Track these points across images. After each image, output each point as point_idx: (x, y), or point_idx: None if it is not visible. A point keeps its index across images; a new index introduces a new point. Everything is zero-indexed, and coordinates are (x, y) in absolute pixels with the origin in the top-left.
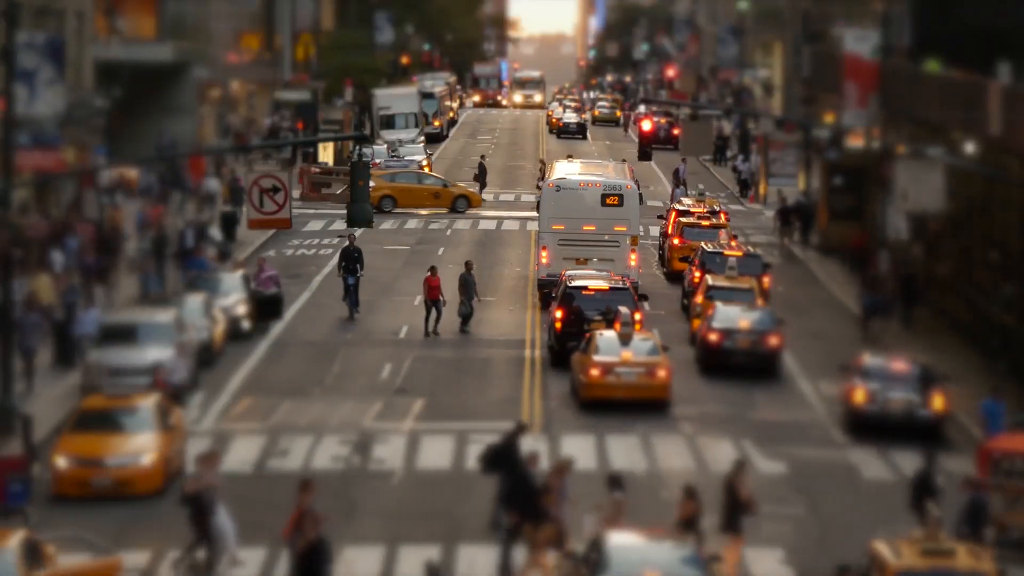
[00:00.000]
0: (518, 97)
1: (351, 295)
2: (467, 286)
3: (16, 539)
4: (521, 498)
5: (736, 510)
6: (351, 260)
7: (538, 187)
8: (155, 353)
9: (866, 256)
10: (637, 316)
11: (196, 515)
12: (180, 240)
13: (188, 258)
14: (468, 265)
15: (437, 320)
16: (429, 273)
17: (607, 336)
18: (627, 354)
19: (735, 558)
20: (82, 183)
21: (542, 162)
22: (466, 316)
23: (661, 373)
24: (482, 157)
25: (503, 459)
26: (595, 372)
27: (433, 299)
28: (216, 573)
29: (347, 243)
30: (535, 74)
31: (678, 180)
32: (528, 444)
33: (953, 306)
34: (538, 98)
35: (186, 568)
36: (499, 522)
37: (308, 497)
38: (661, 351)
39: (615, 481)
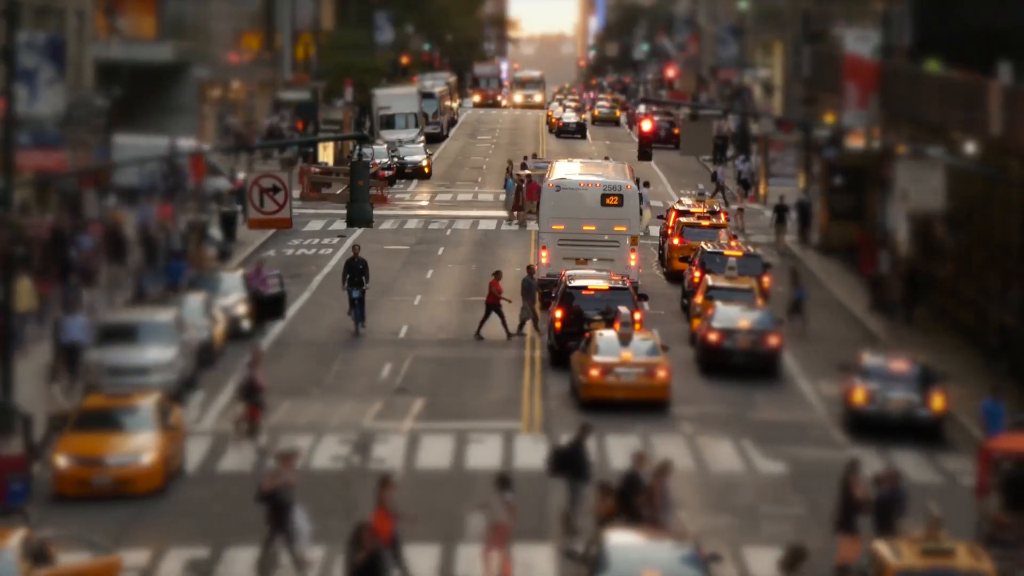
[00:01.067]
0: (518, 97)
1: (357, 308)
2: (529, 290)
3: (16, 538)
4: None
5: (851, 509)
6: (356, 272)
7: (504, 185)
8: (155, 353)
9: (868, 256)
10: (637, 316)
11: (272, 512)
12: (167, 242)
13: (172, 261)
14: (530, 269)
15: (503, 322)
16: (494, 277)
17: (607, 336)
18: (627, 354)
19: (852, 557)
20: (82, 183)
21: (510, 162)
22: (526, 320)
23: (661, 373)
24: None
25: (570, 462)
26: (595, 372)
27: (495, 303)
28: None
29: (352, 255)
30: (535, 74)
31: (718, 184)
32: (528, 444)
33: (953, 306)
34: (538, 98)
35: (264, 567)
36: (572, 526)
37: (389, 493)
38: (661, 351)
39: (504, 482)
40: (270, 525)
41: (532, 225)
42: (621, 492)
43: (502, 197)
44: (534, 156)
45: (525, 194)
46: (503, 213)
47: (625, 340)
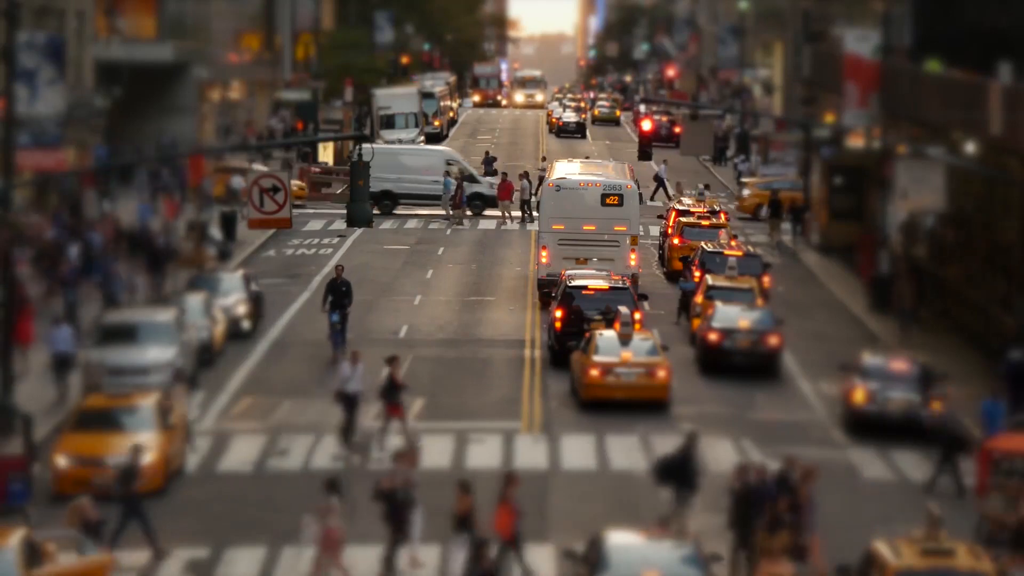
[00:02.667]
0: (519, 96)
1: (336, 334)
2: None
3: (16, 538)
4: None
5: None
6: (338, 295)
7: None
8: (155, 353)
9: (867, 259)
10: (637, 316)
11: (390, 512)
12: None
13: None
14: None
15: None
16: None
17: (607, 336)
18: (627, 354)
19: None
20: (82, 183)
21: (487, 152)
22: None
23: (661, 373)
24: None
25: (678, 470)
26: (595, 372)
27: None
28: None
29: (334, 276)
30: (536, 73)
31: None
32: (527, 444)
33: (954, 306)
34: (540, 97)
35: (390, 566)
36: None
37: (513, 490)
38: (660, 351)
39: (332, 485)
40: (389, 525)
41: (479, 221)
42: (761, 497)
43: None
44: (544, 159)
45: (459, 194)
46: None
47: (625, 340)
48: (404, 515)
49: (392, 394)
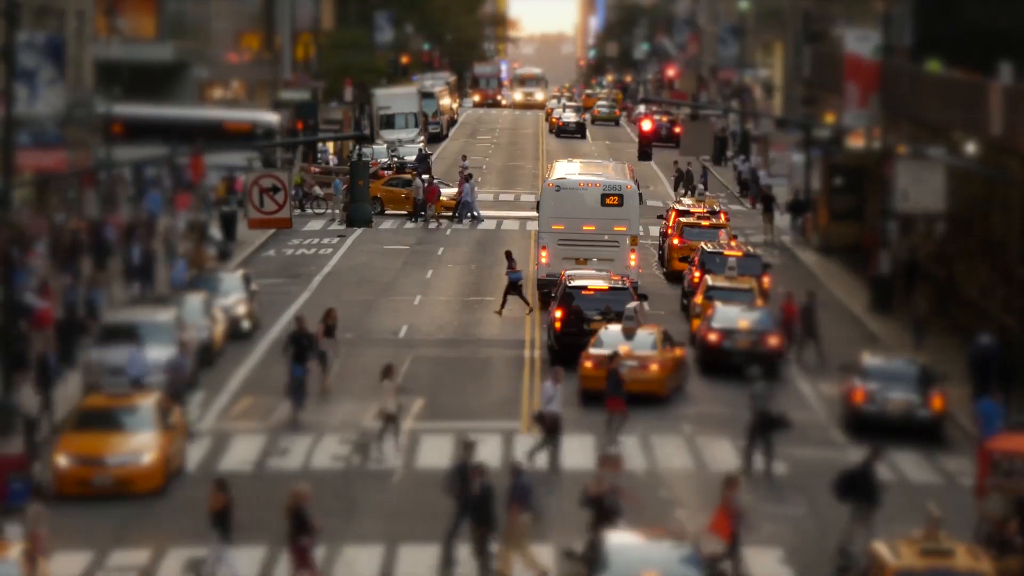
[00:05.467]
0: (518, 95)
1: (297, 391)
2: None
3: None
4: None
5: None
6: (300, 348)
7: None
8: (155, 352)
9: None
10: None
11: (597, 518)
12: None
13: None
14: (812, 295)
15: (800, 349)
16: (787, 299)
17: (612, 330)
18: (625, 348)
19: None
20: (82, 183)
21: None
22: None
23: (654, 367)
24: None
25: (859, 485)
26: (588, 364)
27: (790, 325)
28: None
29: (296, 327)
30: (536, 71)
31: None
32: (527, 444)
33: (954, 306)
34: (539, 96)
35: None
36: (848, 557)
37: (733, 492)
38: (660, 345)
39: (221, 484)
40: (592, 531)
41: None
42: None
43: (502, 197)
44: (464, 157)
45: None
46: (503, 213)
47: (629, 335)
48: (611, 522)
49: (618, 389)
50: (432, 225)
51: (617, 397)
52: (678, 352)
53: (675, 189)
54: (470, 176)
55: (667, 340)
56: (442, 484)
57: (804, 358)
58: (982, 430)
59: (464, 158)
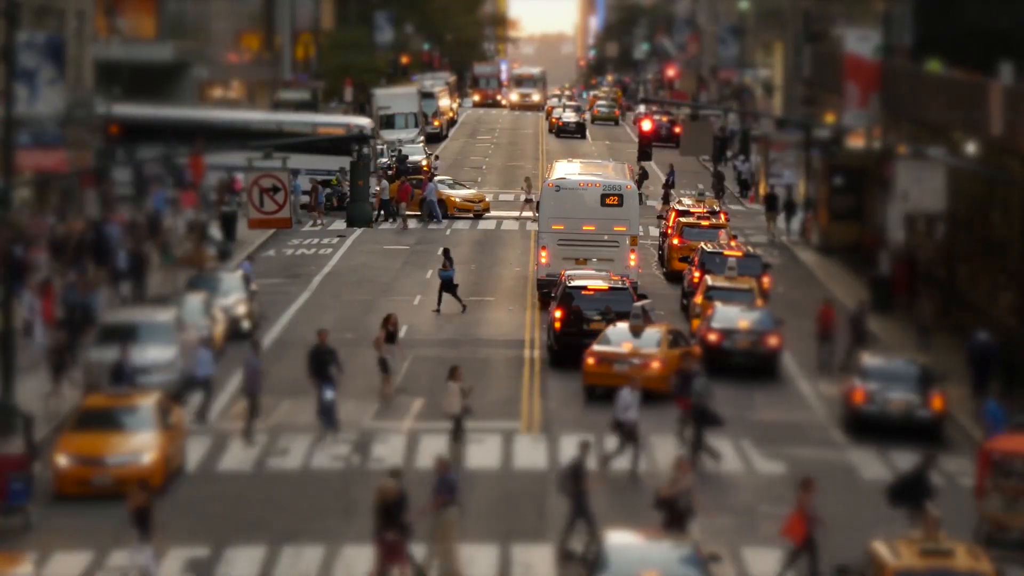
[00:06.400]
0: (514, 96)
1: (328, 413)
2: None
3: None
4: None
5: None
6: (323, 364)
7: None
8: (155, 353)
9: (872, 256)
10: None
11: (670, 519)
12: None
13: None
14: (862, 303)
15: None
16: (824, 305)
17: (619, 328)
18: (628, 345)
19: None
20: (82, 183)
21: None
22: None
23: (654, 364)
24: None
25: (913, 489)
26: (590, 361)
27: (827, 334)
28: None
29: (317, 341)
30: (534, 71)
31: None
32: (527, 444)
33: (954, 306)
34: (536, 97)
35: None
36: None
37: (809, 496)
38: (665, 343)
39: (143, 484)
40: (667, 530)
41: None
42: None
43: (502, 198)
44: (436, 157)
45: (314, 196)
46: (503, 213)
47: (636, 332)
48: (683, 523)
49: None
50: (399, 225)
51: (687, 397)
52: (695, 351)
53: (665, 192)
54: (433, 177)
55: (679, 339)
56: (556, 484)
57: (849, 364)
58: (988, 432)
59: (436, 158)
